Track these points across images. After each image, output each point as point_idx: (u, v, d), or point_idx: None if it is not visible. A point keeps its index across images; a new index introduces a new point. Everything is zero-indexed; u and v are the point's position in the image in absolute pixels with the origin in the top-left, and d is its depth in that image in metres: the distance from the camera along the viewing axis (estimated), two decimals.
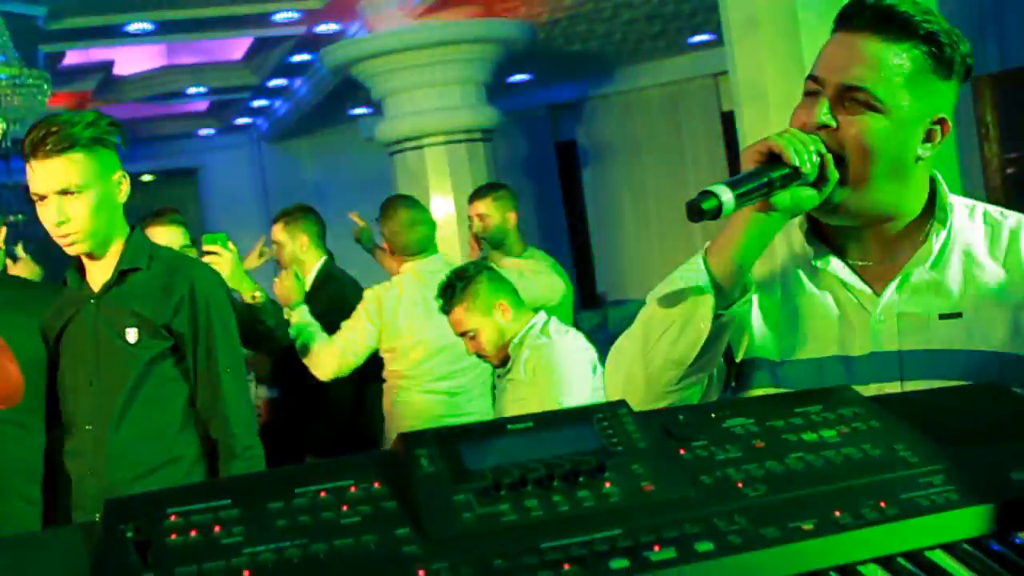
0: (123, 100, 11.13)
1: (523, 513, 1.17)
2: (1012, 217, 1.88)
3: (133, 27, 8.68)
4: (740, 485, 1.25)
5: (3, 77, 7.37)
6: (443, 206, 8.72)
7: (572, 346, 4.05)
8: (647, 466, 1.25)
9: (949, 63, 1.75)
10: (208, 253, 4.31)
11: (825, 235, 1.90)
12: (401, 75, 8.86)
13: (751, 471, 1.28)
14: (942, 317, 1.79)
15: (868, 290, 1.84)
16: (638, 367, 1.82)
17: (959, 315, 1.78)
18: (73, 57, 9.75)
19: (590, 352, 4.09)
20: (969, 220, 1.87)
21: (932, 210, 1.84)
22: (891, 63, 1.72)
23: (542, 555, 1.12)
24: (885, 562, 1.18)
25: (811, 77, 1.78)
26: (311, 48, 9.77)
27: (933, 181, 1.86)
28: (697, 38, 10.92)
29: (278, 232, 5.40)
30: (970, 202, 1.90)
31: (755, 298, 1.86)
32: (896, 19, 1.72)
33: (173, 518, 1.14)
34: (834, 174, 1.71)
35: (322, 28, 9.23)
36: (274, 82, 11.38)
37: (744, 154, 1.71)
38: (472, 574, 1.09)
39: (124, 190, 3.07)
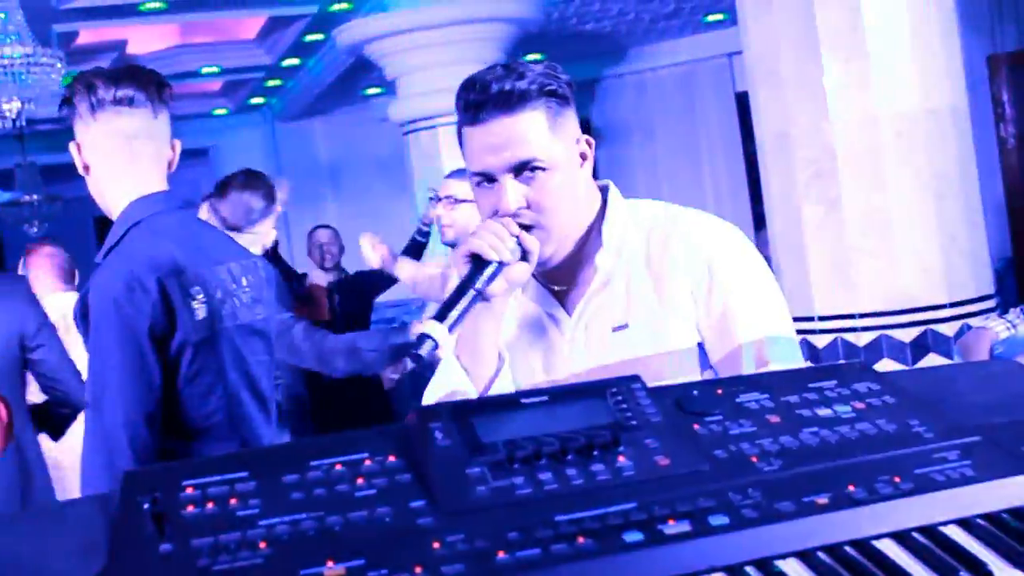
0: None
1: (537, 486, 1.18)
2: (672, 215, 2.01)
3: (146, 6, 8.67)
4: (754, 459, 1.25)
5: (17, 56, 7.39)
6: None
7: None
8: (661, 440, 1.25)
9: (564, 95, 1.91)
10: None
11: None
12: (414, 54, 8.84)
13: (765, 446, 1.28)
14: (615, 330, 1.94)
15: (562, 309, 1.99)
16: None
17: (626, 326, 1.93)
18: (87, 36, 9.74)
19: None
20: (634, 229, 1.99)
21: (599, 227, 1.98)
22: (536, 128, 1.86)
23: (556, 528, 1.12)
24: (900, 537, 1.18)
25: (477, 174, 1.91)
26: (325, 27, 9.75)
27: (605, 192, 2.02)
28: (711, 17, 10.87)
29: None
30: (653, 208, 2.03)
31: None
32: (515, 95, 1.85)
33: (189, 490, 1.15)
34: (534, 245, 1.85)
35: (336, 7, 9.21)
36: (288, 61, 11.35)
37: (454, 263, 1.87)
38: (487, 546, 1.09)
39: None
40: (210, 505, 1.14)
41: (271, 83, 12.56)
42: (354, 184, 13.20)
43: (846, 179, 4.60)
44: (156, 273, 2.52)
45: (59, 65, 7.58)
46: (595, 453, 1.22)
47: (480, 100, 1.86)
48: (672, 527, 1.13)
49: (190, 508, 1.13)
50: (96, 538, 1.11)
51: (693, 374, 1.90)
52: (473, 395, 1.83)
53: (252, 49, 11.10)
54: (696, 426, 1.30)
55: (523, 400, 1.28)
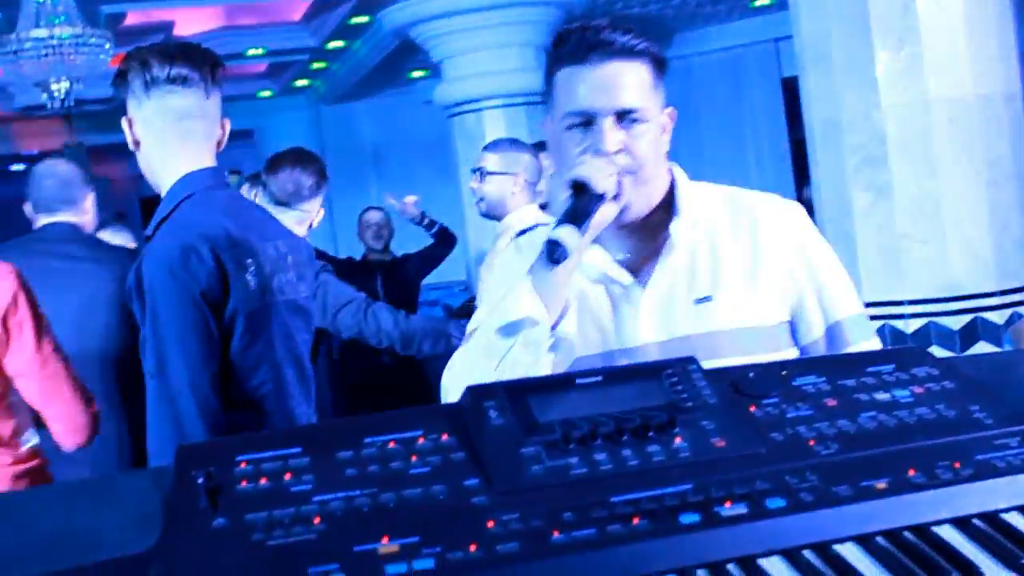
0: None
1: (592, 467, 1.17)
2: (749, 198, 2.04)
3: None
4: (812, 443, 1.24)
5: (66, 37, 7.44)
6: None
7: None
8: (717, 422, 1.24)
9: (662, 63, 1.96)
10: None
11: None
12: (460, 37, 8.83)
13: (823, 429, 1.26)
14: (697, 302, 1.93)
15: (632, 280, 1.97)
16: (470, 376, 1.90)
17: (709, 298, 1.92)
18: (134, 18, 9.79)
19: None
20: (713, 206, 2.01)
21: (672, 200, 1.99)
22: (643, 81, 1.91)
23: (612, 508, 1.11)
24: (961, 523, 1.16)
25: (580, 112, 1.91)
26: (371, 9, 9.74)
27: (671, 172, 2.03)
28: (758, 2, 10.78)
29: None
30: (715, 188, 2.06)
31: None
32: (629, 44, 1.90)
33: (243, 465, 1.15)
34: (629, 187, 1.89)
35: None
36: (333, 44, 11.36)
37: (553, 190, 1.87)
38: (541, 526, 1.08)
39: None
40: (264, 480, 1.13)
41: (316, 65, 12.58)
42: (398, 167, 13.21)
43: (896, 165, 4.55)
44: (209, 242, 2.55)
45: (107, 46, 7.63)
46: (651, 434, 1.21)
47: (594, 42, 1.89)
48: (729, 509, 1.12)
49: (244, 483, 1.13)
50: (150, 511, 1.11)
51: (779, 351, 1.91)
52: (545, 325, 1.80)
53: (297, 31, 11.12)
54: (752, 408, 1.28)
55: (578, 380, 1.27)
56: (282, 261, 2.76)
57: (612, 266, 1.98)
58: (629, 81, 1.88)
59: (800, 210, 2.05)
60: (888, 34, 4.51)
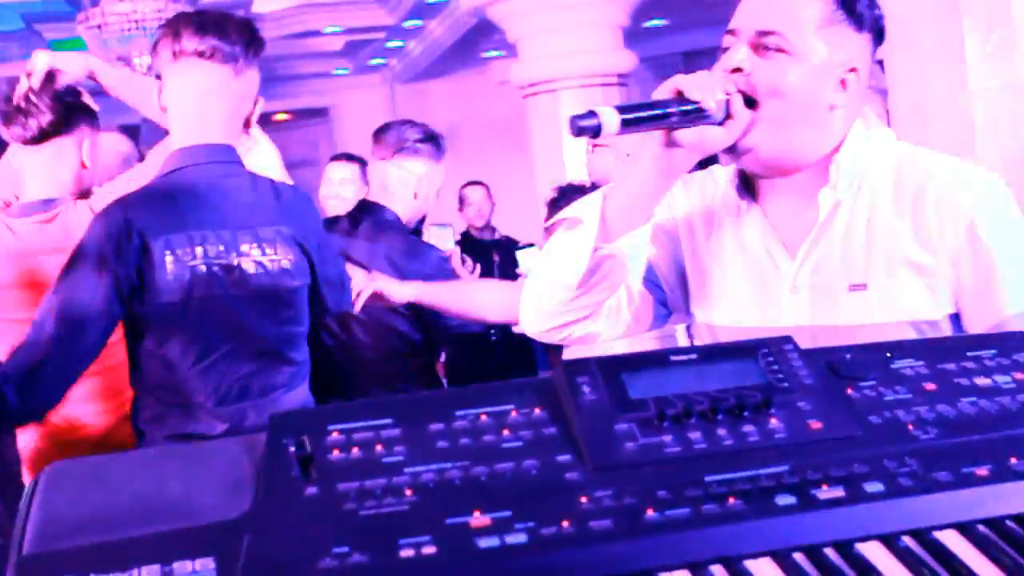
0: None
1: (686, 445, 1.15)
2: (924, 165, 1.82)
3: None
4: (910, 427, 1.21)
5: (148, 11, 7.52)
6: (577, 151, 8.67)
7: None
8: (814, 403, 1.22)
9: (860, 16, 1.78)
10: None
11: (755, 193, 1.91)
12: (537, 17, 8.81)
13: (921, 413, 1.23)
14: (851, 289, 1.78)
15: (784, 252, 1.85)
16: (534, 283, 1.92)
17: (864, 286, 1.77)
18: None
19: None
20: (881, 172, 1.82)
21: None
22: (802, 9, 1.75)
23: (706, 488, 1.09)
24: None
25: (728, 31, 1.81)
26: None
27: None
28: None
29: None
30: (893, 149, 1.86)
31: (686, 243, 1.96)
32: None
33: (335, 435, 1.15)
34: (742, 113, 1.71)
35: None
36: (409, 22, 11.40)
37: (655, 94, 1.72)
38: (635, 503, 1.07)
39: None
40: (355, 450, 1.13)
41: (392, 44, 12.63)
42: (472, 146, 13.22)
43: (983, 151, 4.47)
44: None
45: None
46: (745, 414, 1.19)
47: None
48: (826, 492, 1.10)
49: (336, 452, 1.13)
50: (242, 478, 1.11)
51: None
52: (592, 227, 1.75)
53: (374, 9, 11.18)
54: (849, 390, 1.26)
55: (672, 357, 1.25)
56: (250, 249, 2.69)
57: (767, 233, 1.86)
58: (784, 7, 1.75)
59: (983, 179, 1.81)
60: (978, 17, 4.42)
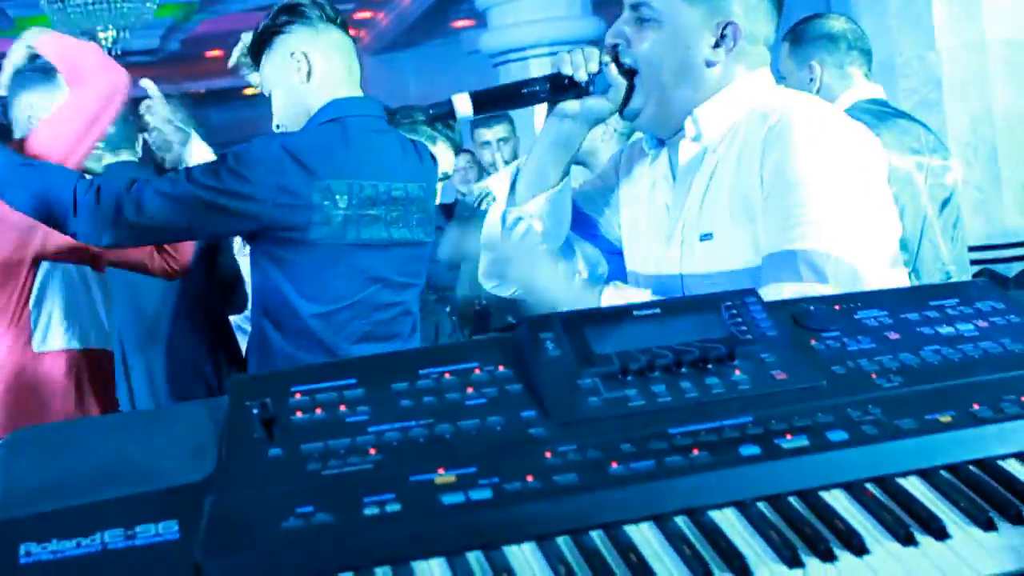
0: (227, 12, 11.18)
1: (650, 398, 1.15)
2: (783, 110, 1.77)
3: None
4: (874, 376, 1.21)
5: None
6: None
7: None
8: (778, 354, 1.22)
9: None
10: None
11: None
12: None
13: (885, 362, 1.24)
14: (701, 239, 1.82)
15: (668, 203, 1.91)
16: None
17: (711, 236, 1.80)
18: None
19: None
20: (757, 123, 1.78)
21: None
22: None
23: (671, 440, 1.09)
24: None
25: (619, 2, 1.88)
26: None
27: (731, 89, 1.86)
28: None
29: None
30: (753, 99, 1.83)
31: (623, 196, 2.04)
32: None
33: (298, 396, 1.14)
34: (619, 81, 1.83)
35: None
36: None
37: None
38: (599, 457, 1.07)
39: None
40: (319, 411, 1.13)
41: (361, 15, 12.55)
42: None
43: (951, 110, 4.48)
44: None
45: None
46: (709, 366, 1.19)
47: None
48: (790, 441, 1.10)
49: (299, 413, 1.12)
50: (205, 441, 1.11)
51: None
52: (502, 194, 1.95)
53: None
54: (813, 341, 1.26)
55: (635, 312, 1.25)
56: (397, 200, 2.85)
57: (663, 185, 1.93)
58: None
59: (805, 114, 1.74)
60: None
